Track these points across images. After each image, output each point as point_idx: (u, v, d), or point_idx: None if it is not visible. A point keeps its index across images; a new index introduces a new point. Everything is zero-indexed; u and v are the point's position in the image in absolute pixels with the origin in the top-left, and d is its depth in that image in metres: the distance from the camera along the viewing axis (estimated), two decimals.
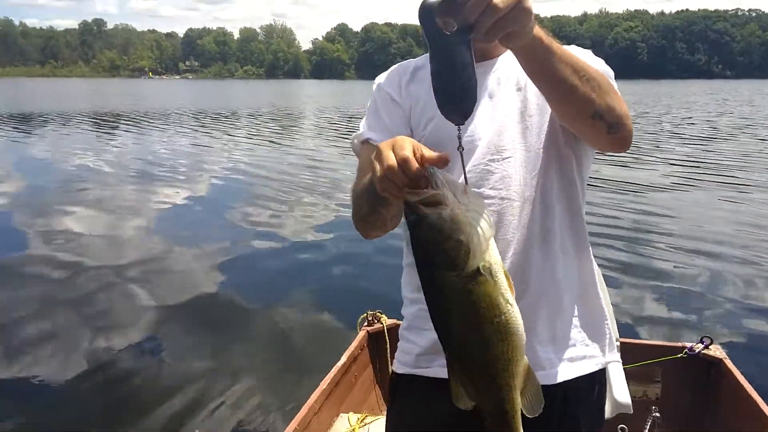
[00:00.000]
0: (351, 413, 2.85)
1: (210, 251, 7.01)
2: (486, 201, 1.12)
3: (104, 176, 12.07)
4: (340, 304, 5.36)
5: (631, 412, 1.56)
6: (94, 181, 11.53)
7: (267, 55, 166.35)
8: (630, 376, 1.63)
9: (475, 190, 1.16)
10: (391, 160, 0.84)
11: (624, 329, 3.95)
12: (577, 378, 1.24)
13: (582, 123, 1.09)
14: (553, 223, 1.23)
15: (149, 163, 13.65)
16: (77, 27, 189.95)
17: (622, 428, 2.27)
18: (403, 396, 1.35)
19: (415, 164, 0.82)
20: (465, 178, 0.92)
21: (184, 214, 9.08)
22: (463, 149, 0.93)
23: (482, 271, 0.82)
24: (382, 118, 1.30)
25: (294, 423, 2.38)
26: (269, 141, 18.32)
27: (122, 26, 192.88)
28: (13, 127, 22.56)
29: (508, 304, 0.85)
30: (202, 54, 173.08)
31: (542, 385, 0.95)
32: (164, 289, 5.81)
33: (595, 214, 8.08)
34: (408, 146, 0.85)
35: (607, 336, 1.33)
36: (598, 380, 1.31)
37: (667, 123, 23.42)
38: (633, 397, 1.59)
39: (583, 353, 1.27)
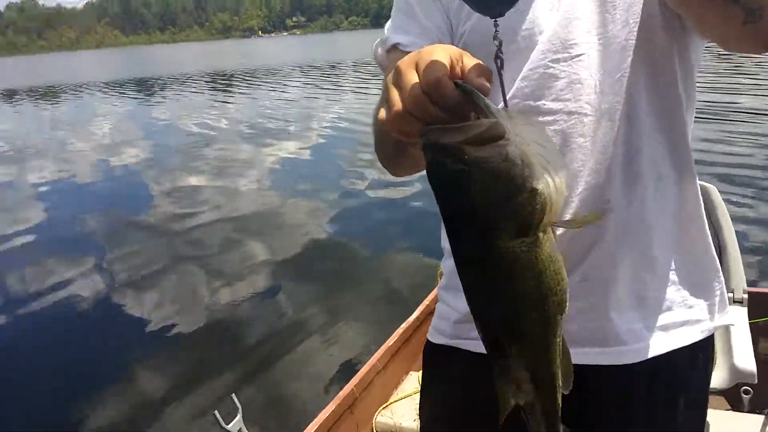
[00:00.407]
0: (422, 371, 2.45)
1: (321, 203, 7.08)
2: (547, 117, 0.89)
3: (220, 135, 12.37)
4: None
5: (755, 381, 1.34)
6: (211, 139, 11.85)
7: (372, 4, 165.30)
8: (760, 332, 1.42)
9: (532, 103, 0.90)
10: (414, 87, 0.58)
11: (751, 276, 3.88)
12: (671, 352, 0.95)
13: (706, 6, 0.75)
14: (641, 143, 0.92)
15: (262, 119, 13.84)
16: None
17: (745, 390, 2.04)
18: (438, 372, 1.12)
19: (450, 87, 0.57)
20: (504, 95, 0.69)
21: (296, 167, 9.13)
22: (501, 52, 0.70)
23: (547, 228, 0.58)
24: (415, 15, 0.98)
25: (352, 382, 2.26)
26: (378, 89, 17.95)
27: None
28: (138, 93, 24.05)
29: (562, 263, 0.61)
30: (309, 9, 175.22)
31: (621, 365, 0.88)
32: (278, 240, 5.96)
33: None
34: (441, 56, 0.58)
35: (718, 292, 1.02)
36: (701, 350, 1.00)
37: None
38: (764, 355, 1.37)
39: (683, 318, 0.98)
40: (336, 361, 3.75)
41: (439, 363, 1.12)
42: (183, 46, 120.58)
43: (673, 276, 0.98)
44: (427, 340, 1.13)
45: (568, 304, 0.63)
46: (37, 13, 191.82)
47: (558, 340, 0.65)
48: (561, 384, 0.69)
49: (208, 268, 5.35)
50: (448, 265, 1.09)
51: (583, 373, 0.83)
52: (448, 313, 1.07)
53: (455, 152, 0.56)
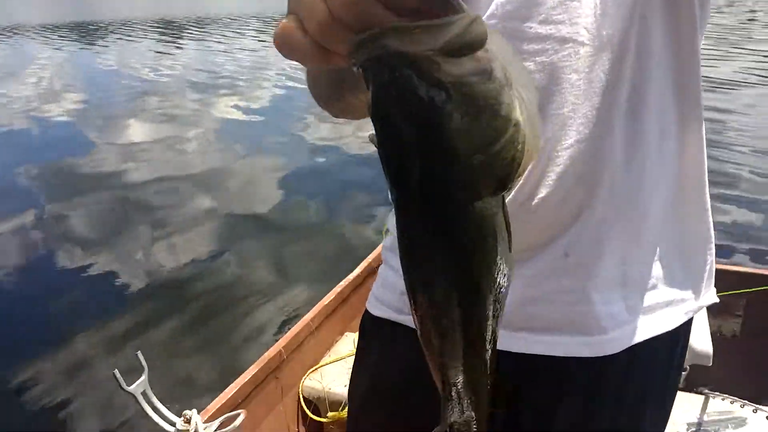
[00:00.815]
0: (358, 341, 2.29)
1: (273, 159, 6.96)
2: (533, 45, 0.73)
3: (167, 85, 11.97)
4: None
5: (710, 364, 1.27)
6: (157, 89, 11.43)
7: None
8: (711, 310, 1.28)
9: (516, 25, 0.73)
10: None
11: None
12: (651, 338, 0.84)
13: None
14: (648, 86, 0.76)
15: (212, 70, 13.42)
16: None
17: (684, 368, 1.84)
18: (376, 347, 0.98)
19: None
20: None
21: (247, 122, 8.92)
22: None
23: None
24: None
25: (280, 343, 2.12)
26: None
27: None
28: (78, 38, 23.00)
29: None
30: None
31: (596, 357, 0.80)
32: (225, 197, 5.86)
33: None
34: None
35: (707, 266, 0.90)
36: (682, 335, 0.90)
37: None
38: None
39: (668, 297, 0.85)
40: (272, 320, 3.72)
41: (377, 337, 0.98)
42: None
43: (661, 247, 0.85)
44: (366, 309, 0.99)
45: (507, 288, 0.48)
46: None
47: (490, 341, 0.49)
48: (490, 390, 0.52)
49: (150, 223, 5.23)
50: (393, 222, 0.82)
51: (559, 363, 0.80)
52: (394, 282, 0.93)
53: (423, 67, 0.36)
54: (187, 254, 4.61)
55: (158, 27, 26.81)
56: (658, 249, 0.85)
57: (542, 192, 0.77)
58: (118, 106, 10.05)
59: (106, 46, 19.79)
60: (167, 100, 10.45)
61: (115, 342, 3.53)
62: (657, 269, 0.86)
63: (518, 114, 0.40)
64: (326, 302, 2.39)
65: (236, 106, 9.90)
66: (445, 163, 0.39)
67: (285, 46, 0.39)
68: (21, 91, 11.79)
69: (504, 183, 0.41)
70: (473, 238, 0.42)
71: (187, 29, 25.09)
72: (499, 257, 0.44)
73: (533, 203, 0.77)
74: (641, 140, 0.79)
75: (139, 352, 1.60)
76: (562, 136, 0.76)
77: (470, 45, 0.36)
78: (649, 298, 0.85)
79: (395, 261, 0.93)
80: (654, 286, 0.85)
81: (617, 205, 0.79)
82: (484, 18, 0.63)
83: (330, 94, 0.76)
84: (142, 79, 12.59)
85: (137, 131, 8.36)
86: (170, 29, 25.58)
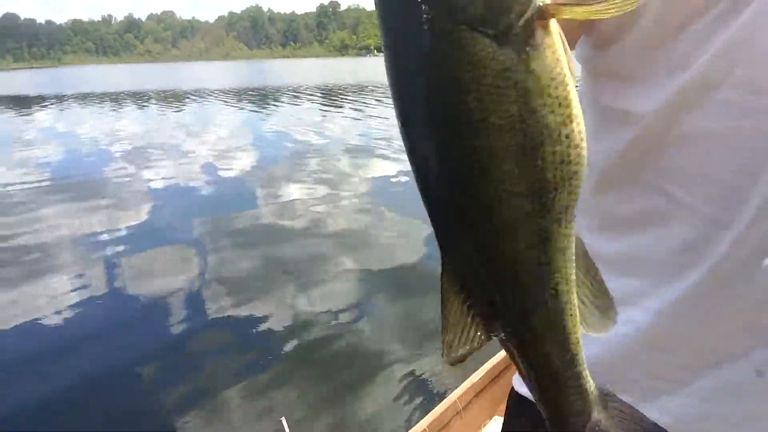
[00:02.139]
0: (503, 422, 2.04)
1: (418, 224, 6.86)
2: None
3: (326, 148, 12.48)
4: None
5: None
6: (317, 152, 11.97)
7: None
8: None
9: None
10: None
11: None
12: None
13: None
14: None
15: (367, 136, 13.85)
16: (315, 10, 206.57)
17: None
18: (519, 428, 0.86)
19: None
20: None
21: (396, 185, 8.95)
22: None
23: (537, 17, 0.35)
24: None
25: (425, 421, 1.98)
26: None
27: (354, 7, 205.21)
28: (255, 102, 25.02)
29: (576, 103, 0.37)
30: None
31: None
32: (371, 259, 5.88)
33: None
34: None
35: None
36: None
37: None
38: None
39: None
40: (414, 394, 3.53)
41: (523, 417, 0.85)
42: (302, 61, 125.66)
43: None
44: (512, 387, 0.90)
45: (581, 171, 0.38)
46: (174, 23, 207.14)
47: (566, 242, 0.39)
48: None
49: (298, 281, 5.32)
50: None
51: None
52: None
53: None
54: (331, 314, 4.64)
55: (323, 93, 28.71)
56: None
57: (741, 283, 0.62)
58: (282, 165, 10.75)
59: (279, 109, 21.50)
60: (325, 161, 10.98)
61: (252, 394, 3.56)
62: None
63: None
64: (475, 380, 2.20)
65: (386, 169, 10.17)
66: None
67: None
68: (202, 145, 13.07)
69: (496, 15, 0.34)
70: (460, 80, 0.35)
71: (346, 96, 26.64)
72: (527, 110, 0.35)
73: (728, 293, 0.63)
74: None
75: (283, 418, 1.62)
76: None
77: None
78: None
79: None
80: None
81: None
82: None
83: None
84: (304, 141, 13.40)
85: (296, 190, 8.81)
86: (332, 95, 27.27)
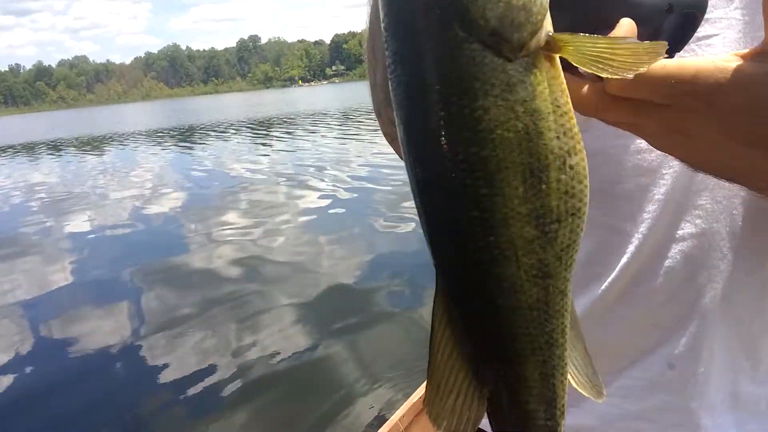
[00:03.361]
0: None
1: (355, 251, 6.94)
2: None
3: (257, 181, 12.41)
4: None
5: None
6: (247, 186, 11.88)
7: None
8: None
9: None
10: None
11: None
12: None
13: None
14: None
15: (298, 166, 13.85)
16: (235, 45, 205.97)
17: None
18: None
19: None
20: None
21: (331, 214, 8.96)
22: None
23: (544, 48, 0.36)
24: None
25: None
26: None
27: (275, 39, 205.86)
28: (179, 141, 24.64)
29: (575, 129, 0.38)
30: (348, 57, 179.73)
31: None
32: (308, 289, 5.84)
33: None
34: None
35: None
36: None
37: None
38: None
39: None
40: (356, 419, 3.55)
41: None
42: (225, 97, 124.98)
43: None
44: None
45: (584, 210, 0.38)
46: (87, 68, 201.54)
47: (565, 285, 0.40)
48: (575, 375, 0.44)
49: (239, 321, 5.22)
50: None
51: None
52: None
53: None
54: (275, 351, 4.57)
55: (250, 127, 28.49)
56: None
57: (644, 286, 0.69)
58: (213, 203, 10.52)
59: (205, 147, 21.12)
60: (256, 196, 10.83)
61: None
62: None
63: None
64: (414, 400, 2.22)
65: (319, 198, 10.15)
66: None
67: None
68: (126, 190, 12.61)
69: (506, 27, 0.35)
70: (469, 88, 0.35)
71: (273, 128, 26.55)
72: (532, 133, 0.36)
73: (634, 297, 0.70)
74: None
75: None
76: (673, 224, 0.68)
77: None
78: (765, 423, 0.73)
79: None
80: None
81: (735, 313, 0.69)
82: None
83: None
84: (234, 177, 13.21)
85: (229, 227, 8.64)
86: (259, 128, 27.11)
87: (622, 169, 0.67)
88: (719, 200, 0.66)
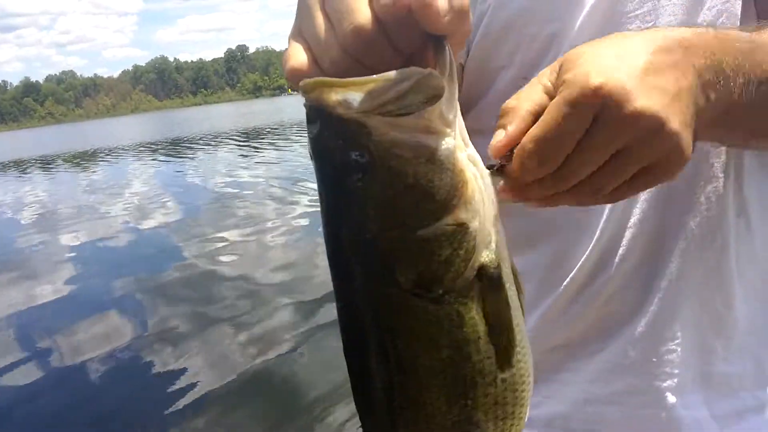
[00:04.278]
0: None
1: None
2: None
3: (248, 192, 12.39)
4: None
5: None
6: (239, 196, 11.87)
7: None
8: None
9: None
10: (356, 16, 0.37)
11: None
12: None
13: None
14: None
15: (289, 174, 13.84)
16: (223, 55, 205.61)
17: None
18: None
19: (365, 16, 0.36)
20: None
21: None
22: None
23: (487, 273, 0.38)
24: None
25: None
26: None
27: (263, 49, 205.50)
28: (169, 154, 24.55)
29: (523, 342, 0.40)
30: None
31: None
32: (302, 293, 5.88)
33: None
34: None
35: None
36: None
37: None
38: None
39: (759, 400, 0.72)
40: (349, 419, 3.56)
41: None
42: (215, 107, 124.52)
43: (748, 341, 0.72)
44: None
45: (520, 410, 0.40)
46: (75, 83, 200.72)
47: None
48: None
49: (234, 330, 5.22)
50: None
51: None
52: None
53: (350, 128, 0.35)
54: (263, 353, 4.62)
55: (239, 137, 28.45)
56: (746, 343, 0.73)
57: (602, 275, 0.71)
58: (204, 215, 10.53)
59: (195, 159, 21.09)
60: (248, 206, 10.85)
61: None
62: (744, 366, 0.74)
63: (468, 216, 0.35)
64: None
65: (311, 205, 10.09)
66: (361, 232, 0.36)
67: (296, 82, 0.39)
68: (118, 204, 12.63)
69: (426, 281, 0.36)
70: (395, 329, 0.38)
71: (264, 137, 26.52)
72: (459, 358, 0.38)
73: (593, 288, 0.71)
74: (720, 214, 0.69)
75: None
76: (626, 212, 0.69)
77: (411, 105, 0.33)
78: (737, 402, 0.73)
79: None
80: (742, 387, 0.74)
81: (693, 290, 0.70)
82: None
83: None
84: (224, 188, 13.22)
85: (221, 238, 8.65)
86: (250, 138, 27.08)
87: None
88: (665, 184, 0.65)
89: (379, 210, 0.35)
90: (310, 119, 0.37)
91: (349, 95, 0.34)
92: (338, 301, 0.42)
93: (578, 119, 0.38)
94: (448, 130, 0.35)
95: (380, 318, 0.38)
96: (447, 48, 0.35)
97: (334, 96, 0.34)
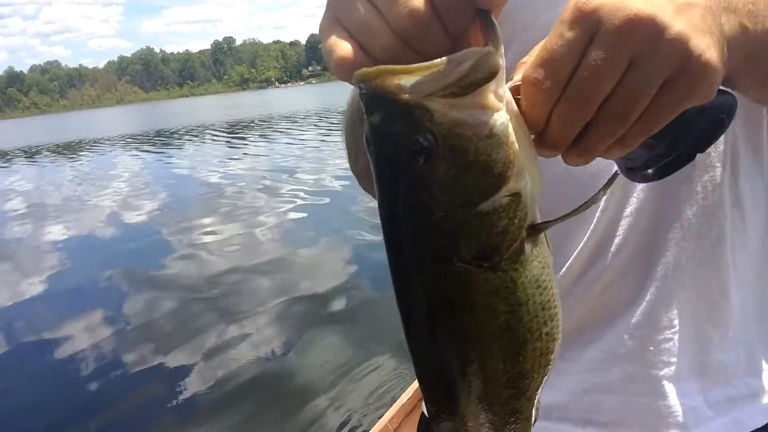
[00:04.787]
0: None
1: (337, 251, 6.93)
2: None
3: (235, 184, 12.34)
4: None
5: None
6: (225, 189, 11.82)
7: None
8: None
9: None
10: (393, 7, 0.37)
11: None
12: None
13: None
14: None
15: (276, 167, 13.79)
16: (210, 47, 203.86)
17: None
18: None
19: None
20: None
21: (312, 214, 8.93)
22: None
23: (532, 233, 0.41)
24: None
25: None
26: None
27: (250, 41, 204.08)
28: (155, 145, 24.29)
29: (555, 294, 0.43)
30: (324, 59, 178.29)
31: None
32: (291, 284, 5.93)
33: None
34: None
35: None
36: None
37: None
38: None
39: (752, 389, 0.73)
40: (346, 418, 3.55)
41: None
42: (201, 99, 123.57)
43: (743, 330, 0.74)
44: (422, 412, 0.88)
45: (555, 356, 0.43)
46: (59, 73, 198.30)
47: (532, 411, 0.45)
48: None
49: (223, 323, 5.21)
50: None
51: None
52: None
53: (414, 113, 0.36)
54: (256, 352, 4.59)
55: (226, 130, 28.30)
56: (740, 332, 0.74)
57: (598, 265, 0.72)
58: (192, 206, 10.47)
59: (180, 152, 20.93)
60: (236, 198, 10.81)
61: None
62: (738, 356, 0.74)
63: (520, 184, 0.38)
64: (404, 401, 2.19)
65: (298, 197, 10.15)
66: (425, 214, 0.38)
67: (346, 72, 0.39)
68: (104, 196, 12.52)
69: (488, 253, 0.39)
70: (462, 300, 0.40)
71: (251, 130, 26.41)
72: (513, 319, 0.41)
73: (589, 277, 0.72)
74: (717, 203, 0.69)
75: None
76: (622, 202, 0.70)
77: (473, 85, 0.35)
78: (731, 390, 0.74)
79: None
80: (735, 375, 0.74)
81: (689, 278, 0.70)
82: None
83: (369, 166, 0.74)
84: (212, 180, 13.15)
85: (209, 230, 8.62)
86: (236, 131, 26.95)
87: (579, 184, 0.66)
88: None
89: (444, 190, 0.37)
90: (371, 107, 0.37)
91: (414, 80, 0.35)
92: (399, 286, 0.43)
93: (574, 33, 0.38)
94: (501, 105, 0.37)
95: (445, 295, 0.40)
96: (495, 22, 0.37)
97: (398, 82, 0.35)
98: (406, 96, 0.35)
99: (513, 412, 0.45)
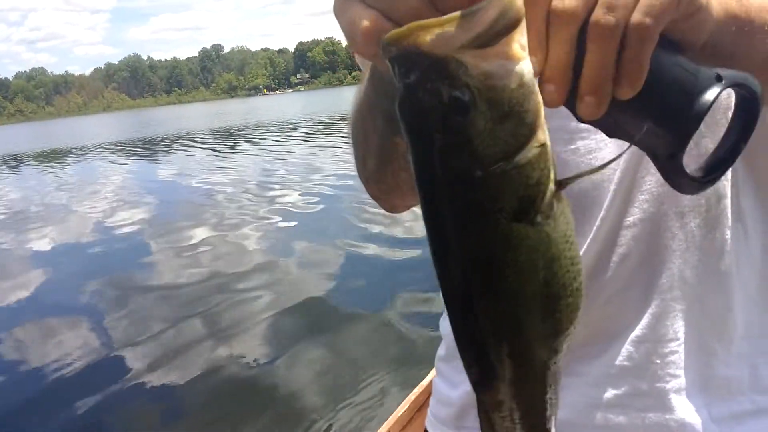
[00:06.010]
0: None
1: (324, 260, 6.91)
2: None
3: (222, 192, 12.31)
4: None
5: None
6: (212, 196, 11.78)
7: None
8: None
9: None
10: None
11: None
12: None
13: None
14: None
15: (263, 176, 13.79)
16: (197, 54, 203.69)
17: None
18: None
19: None
20: None
21: (299, 223, 8.92)
22: None
23: (559, 186, 0.40)
24: None
25: None
26: None
27: (238, 48, 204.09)
28: (142, 152, 24.31)
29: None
30: (313, 65, 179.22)
31: None
32: (278, 295, 5.87)
33: None
34: None
35: None
36: None
37: None
38: None
39: (757, 405, 0.72)
40: (354, 418, 3.54)
41: None
42: (189, 107, 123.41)
43: (747, 345, 0.72)
44: (425, 429, 0.89)
45: (581, 314, 0.44)
46: (45, 80, 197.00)
47: (559, 364, 0.46)
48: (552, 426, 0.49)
49: (211, 332, 5.17)
50: (446, 326, 0.84)
51: None
52: (448, 396, 0.84)
53: (448, 68, 0.35)
54: (245, 361, 4.55)
55: (214, 137, 28.22)
56: (744, 348, 0.73)
57: (601, 276, 0.71)
58: (179, 214, 10.41)
59: (167, 160, 20.85)
60: (223, 205, 10.76)
61: None
62: (742, 371, 0.73)
63: (546, 134, 0.38)
64: (414, 396, 2.19)
65: (287, 205, 10.13)
66: (467, 171, 0.38)
67: (374, 42, 0.37)
68: (89, 203, 12.39)
69: (525, 207, 0.38)
70: (503, 261, 0.40)
71: (239, 137, 26.35)
72: (550, 274, 0.41)
73: (592, 288, 0.70)
74: (720, 215, 0.69)
75: None
76: (622, 212, 0.69)
77: (500, 33, 0.35)
78: (736, 406, 0.73)
79: (449, 371, 0.86)
80: (740, 391, 0.73)
81: (693, 290, 0.69)
82: None
83: (379, 168, 0.71)
84: (199, 187, 13.10)
85: (196, 238, 8.57)
86: (223, 138, 26.90)
87: (577, 170, 0.65)
88: (663, 182, 0.64)
89: (484, 145, 0.37)
90: (404, 69, 0.36)
91: (445, 33, 0.34)
92: (440, 251, 0.42)
93: None
94: (526, 53, 0.36)
95: (491, 254, 0.40)
96: None
97: (430, 37, 0.35)
98: (441, 50, 0.35)
99: (546, 373, 0.46)
